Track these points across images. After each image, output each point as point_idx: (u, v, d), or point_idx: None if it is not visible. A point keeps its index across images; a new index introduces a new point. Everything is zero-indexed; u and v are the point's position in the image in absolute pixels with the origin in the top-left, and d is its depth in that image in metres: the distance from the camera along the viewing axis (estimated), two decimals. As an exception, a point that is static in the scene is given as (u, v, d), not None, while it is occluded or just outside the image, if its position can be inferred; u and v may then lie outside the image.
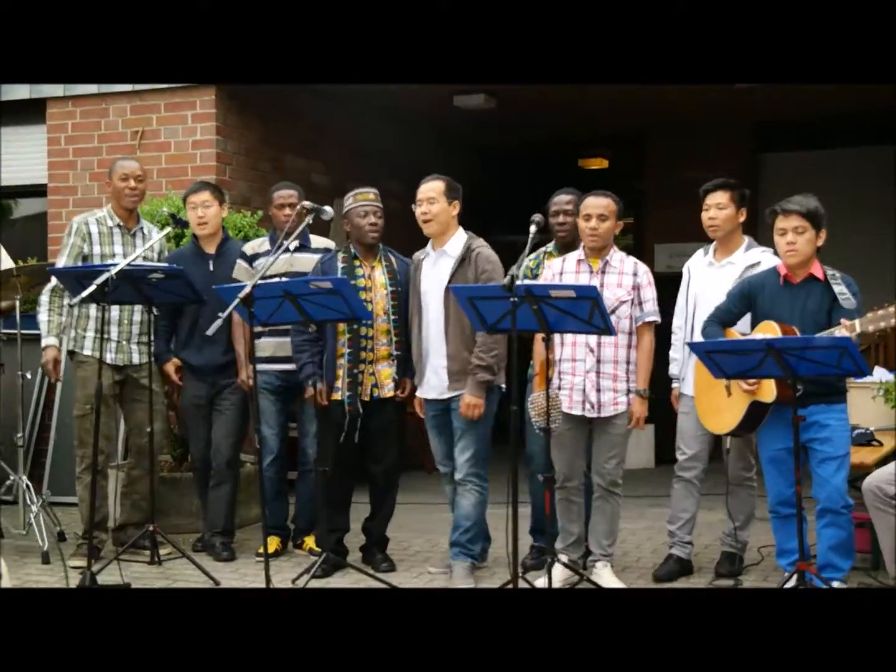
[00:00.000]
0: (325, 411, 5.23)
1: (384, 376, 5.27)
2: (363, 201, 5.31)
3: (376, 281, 5.29)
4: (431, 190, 5.09)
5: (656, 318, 5.00)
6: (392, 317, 5.25)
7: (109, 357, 5.53)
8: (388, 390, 5.27)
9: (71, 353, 5.64)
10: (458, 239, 5.15)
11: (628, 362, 4.95)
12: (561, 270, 5.06)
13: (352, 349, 5.21)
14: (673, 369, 5.25)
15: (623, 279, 4.96)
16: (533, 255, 5.45)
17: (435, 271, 5.13)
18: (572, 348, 4.95)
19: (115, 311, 5.54)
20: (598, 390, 4.93)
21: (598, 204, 4.96)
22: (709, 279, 5.14)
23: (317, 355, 5.26)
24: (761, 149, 9.66)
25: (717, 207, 5.08)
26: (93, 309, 5.46)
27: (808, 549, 4.47)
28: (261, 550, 5.41)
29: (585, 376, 4.93)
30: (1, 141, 7.91)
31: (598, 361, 4.93)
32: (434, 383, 5.13)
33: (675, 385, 5.24)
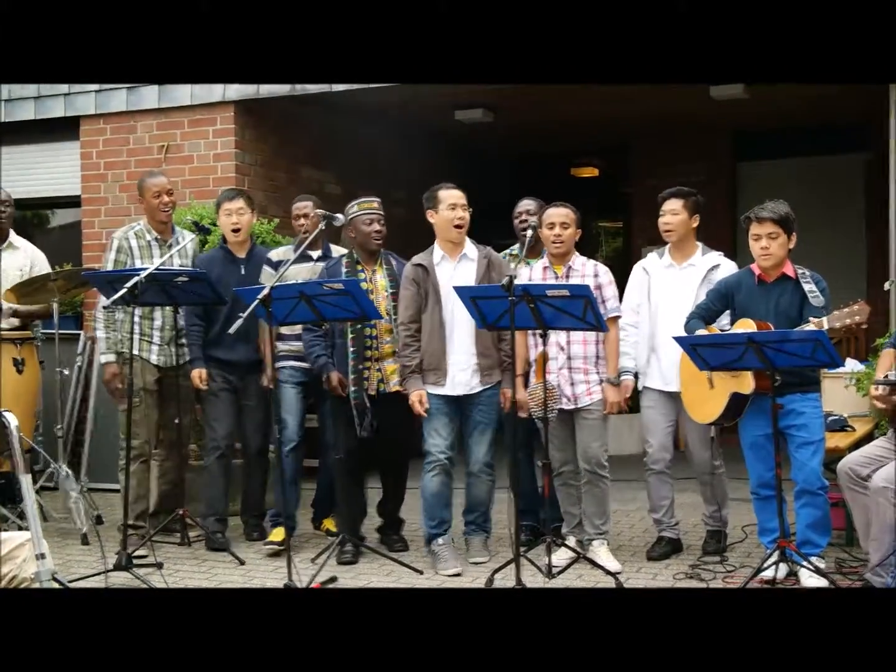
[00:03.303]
0: (339, 404, 5.20)
1: (389, 372, 5.24)
2: (367, 209, 5.28)
3: (378, 284, 5.27)
4: (462, 198, 5.06)
5: (619, 312, 5.02)
6: (393, 316, 5.22)
7: (153, 358, 5.55)
8: (393, 385, 5.24)
9: (117, 354, 5.59)
10: (471, 244, 5.15)
11: (597, 356, 4.97)
12: (529, 278, 5.04)
13: (356, 347, 5.18)
14: (624, 362, 5.11)
15: (585, 281, 4.92)
16: (505, 253, 5.51)
17: (457, 275, 5.03)
18: (546, 348, 4.93)
19: (157, 318, 5.55)
20: (572, 384, 4.94)
21: (559, 213, 4.97)
22: (671, 280, 5.13)
23: (327, 349, 5.25)
24: (739, 157, 9.64)
25: (672, 213, 5.10)
26: (136, 313, 5.43)
27: (787, 528, 4.49)
28: (272, 538, 5.42)
29: (559, 373, 4.94)
30: (39, 156, 7.96)
31: (569, 358, 4.95)
32: (462, 379, 5.04)
33: (625, 378, 5.11)
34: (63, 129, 7.79)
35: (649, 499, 5.25)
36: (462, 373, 5.06)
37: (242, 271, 5.60)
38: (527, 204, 5.49)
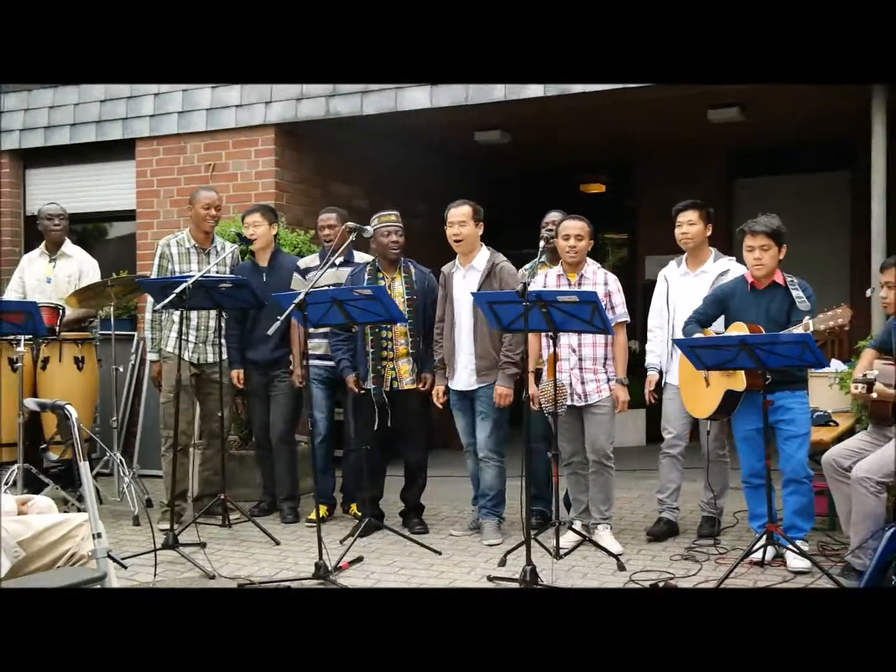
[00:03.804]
0: (360, 399, 5.28)
1: (403, 371, 5.29)
2: (386, 223, 5.32)
3: (395, 290, 5.30)
4: (462, 214, 5.11)
5: (626, 318, 5.03)
6: (409, 320, 5.26)
7: (187, 355, 5.58)
8: (406, 383, 5.29)
9: (159, 352, 5.65)
10: (483, 255, 5.18)
11: (606, 357, 4.97)
12: (544, 285, 5.04)
13: (374, 349, 5.24)
14: (650, 359, 5.23)
15: (596, 288, 4.93)
16: (528, 266, 5.51)
17: (465, 283, 5.16)
18: (558, 350, 4.94)
19: (193, 317, 5.59)
20: (583, 382, 4.95)
21: (574, 226, 4.97)
22: (686, 287, 5.14)
23: (349, 352, 5.33)
24: (734, 174, 9.59)
25: (689, 223, 5.10)
26: (175, 315, 5.49)
27: (775, 514, 4.46)
28: (312, 517, 5.46)
29: (570, 372, 4.94)
30: (96, 175, 8.02)
31: (580, 359, 4.96)
32: (463, 377, 5.18)
33: (650, 373, 5.22)
34: (120, 150, 7.86)
35: (659, 479, 5.24)
36: (463, 370, 5.18)
37: (264, 278, 5.67)
38: (554, 216, 5.44)
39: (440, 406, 5.22)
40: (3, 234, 8.01)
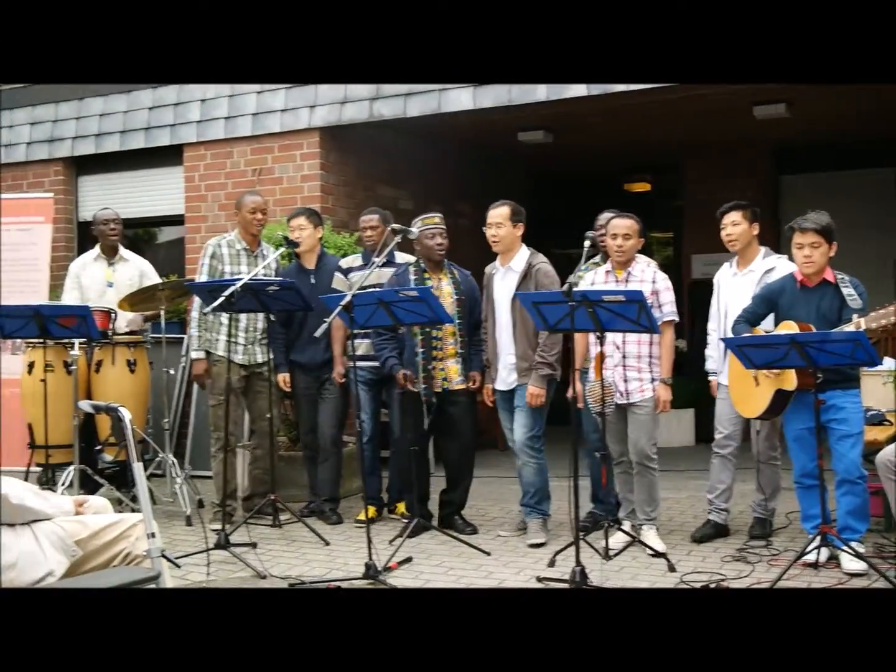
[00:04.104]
0: (407, 399, 5.25)
1: (452, 371, 5.28)
2: (430, 225, 5.32)
3: (444, 290, 5.30)
4: (499, 216, 5.08)
5: (674, 317, 4.97)
6: (457, 321, 5.25)
7: (238, 357, 5.62)
8: (455, 383, 5.29)
9: (207, 354, 5.70)
10: (522, 256, 5.15)
11: (650, 356, 4.92)
12: (592, 282, 5.02)
13: (425, 349, 5.24)
14: (710, 365, 5.19)
15: (643, 286, 4.89)
16: (584, 266, 5.41)
17: (504, 284, 5.14)
18: (604, 349, 4.90)
19: (242, 319, 5.62)
20: (626, 381, 4.91)
21: (622, 224, 4.94)
22: (735, 287, 5.08)
23: (395, 350, 5.31)
24: (779, 171, 9.45)
25: (733, 225, 5.04)
26: (223, 317, 5.53)
27: (829, 514, 4.38)
28: (360, 517, 5.47)
29: (614, 370, 4.91)
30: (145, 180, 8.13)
31: (624, 357, 4.92)
32: (503, 376, 5.18)
33: (711, 378, 5.18)
34: (169, 156, 7.94)
35: (710, 479, 5.17)
36: (504, 371, 5.17)
37: (312, 280, 5.68)
38: (607, 217, 5.37)
39: (490, 404, 5.22)
40: (56, 240, 8.13)
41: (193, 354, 5.71)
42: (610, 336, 4.84)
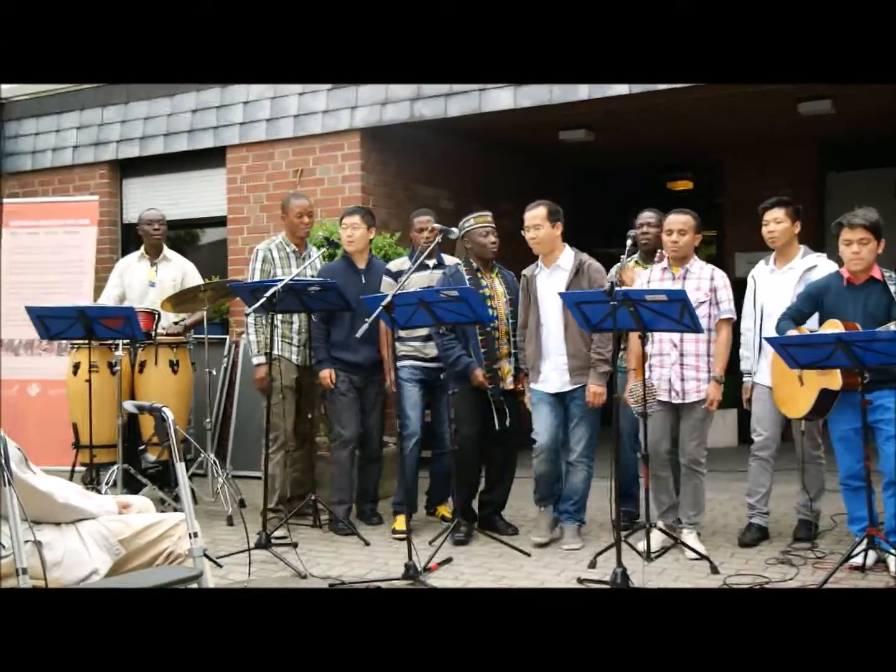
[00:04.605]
0: (470, 400, 5.19)
1: (506, 371, 5.25)
2: (483, 223, 5.29)
3: (497, 290, 5.28)
4: (536, 217, 5.03)
5: (732, 315, 4.90)
6: (510, 321, 5.25)
7: (294, 358, 5.68)
8: (508, 384, 5.26)
9: (267, 354, 5.65)
10: (568, 254, 5.10)
11: (708, 355, 4.86)
12: (648, 279, 4.97)
13: (487, 349, 5.21)
14: (744, 365, 5.13)
15: (701, 283, 4.86)
16: (618, 265, 5.36)
17: (551, 283, 5.06)
18: (659, 345, 4.89)
19: (295, 320, 5.68)
20: (683, 380, 4.84)
21: (678, 220, 4.89)
22: (773, 284, 5.02)
23: (463, 349, 5.24)
24: (824, 168, 9.30)
25: (775, 222, 4.97)
26: (278, 319, 5.54)
27: (876, 517, 4.30)
28: (396, 525, 5.41)
29: (671, 368, 4.84)
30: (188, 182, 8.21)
31: (682, 355, 4.85)
32: (553, 378, 5.07)
33: (746, 380, 5.11)
34: (211, 158, 8.01)
35: (749, 483, 5.11)
36: (554, 372, 5.06)
37: (363, 280, 5.64)
38: (647, 216, 5.36)
39: (528, 405, 5.18)
40: (101, 242, 8.23)
41: (255, 360, 5.69)
42: (667, 334, 4.80)
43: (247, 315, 5.47)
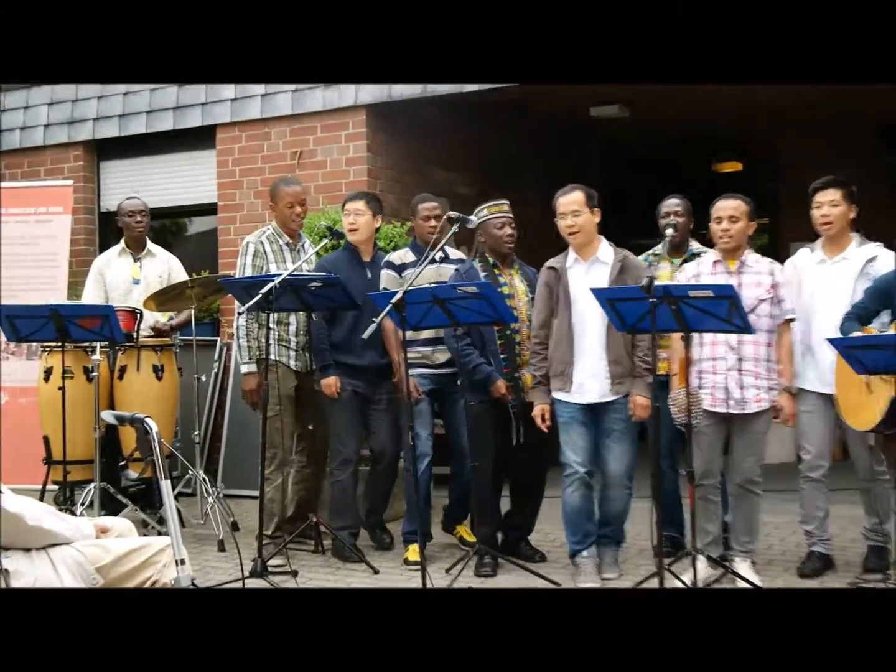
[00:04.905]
0: (487, 412, 5.16)
1: (528, 380, 5.16)
2: (498, 213, 5.25)
3: (517, 288, 5.24)
4: (575, 202, 4.93)
5: (794, 315, 4.84)
6: (532, 323, 5.17)
7: (292, 364, 5.66)
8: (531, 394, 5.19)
9: (258, 361, 5.61)
10: (606, 246, 5.02)
11: (768, 360, 4.79)
12: (697, 272, 4.91)
13: (507, 354, 5.16)
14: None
15: (761, 279, 4.81)
16: (642, 257, 5.34)
17: (589, 279, 4.90)
18: (712, 347, 4.81)
19: (292, 322, 5.64)
20: (742, 387, 4.77)
21: (728, 206, 4.83)
22: (824, 277, 4.95)
23: (481, 356, 5.19)
24: (891, 150, 9.24)
25: (831, 205, 4.92)
26: (273, 323, 5.52)
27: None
28: (409, 556, 5.38)
29: (727, 374, 4.77)
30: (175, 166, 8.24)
31: (740, 359, 4.77)
32: (591, 387, 4.92)
33: (786, 386, 5.00)
34: (200, 138, 8.03)
35: (802, 509, 5.06)
36: (592, 380, 4.92)
37: (368, 275, 5.62)
38: (673, 204, 5.33)
39: (545, 430, 4.98)
40: (76, 232, 8.25)
41: (244, 368, 5.66)
42: (722, 336, 4.74)
43: (240, 314, 5.47)
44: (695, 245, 5.37)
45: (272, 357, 5.53)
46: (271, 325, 5.50)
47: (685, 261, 5.23)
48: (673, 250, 5.27)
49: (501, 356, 5.16)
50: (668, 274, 5.24)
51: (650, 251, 5.44)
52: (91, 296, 6.54)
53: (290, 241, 5.75)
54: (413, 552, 5.34)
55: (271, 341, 5.55)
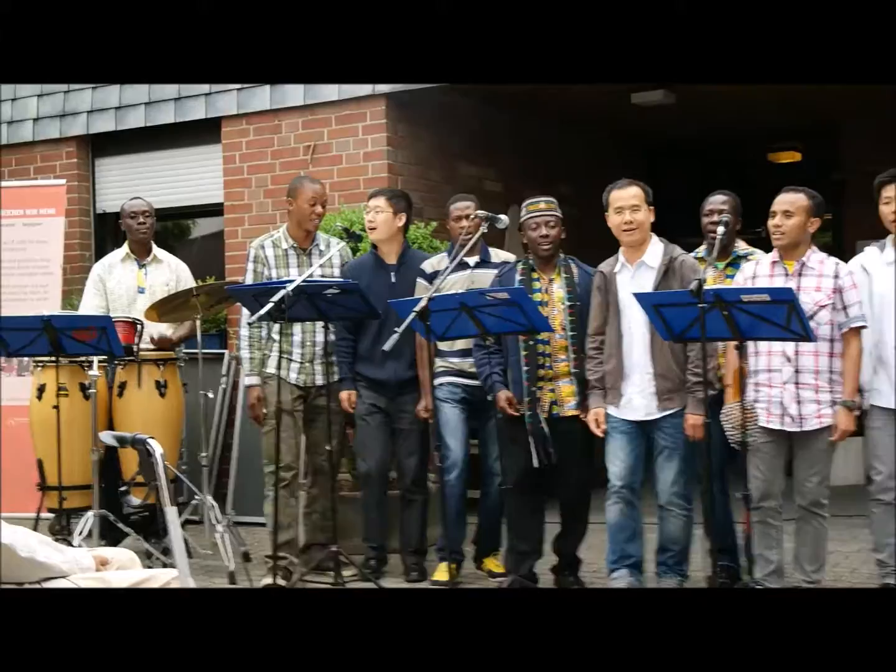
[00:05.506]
0: (510, 427, 5.20)
1: (565, 393, 5.20)
2: (534, 212, 5.28)
3: (554, 295, 5.25)
4: (633, 197, 4.98)
5: (863, 322, 4.80)
6: (570, 332, 5.18)
7: (293, 377, 5.67)
8: (568, 408, 5.21)
9: (258, 374, 5.74)
10: (656, 248, 5.04)
11: (831, 371, 4.77)
12: (754, 274, 4.92)
13: (529, 366, 5.17)
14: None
15: (822, 282, 4.78)
16: (701, 254, 5.34)
17: (634, 284, 4.96)
18: (768, 358, 4.80)
19: (297, 333, 5.68)
20: (799, 402, 4.76)
21: (784, 200, 4.84)
22: (894, 278, 4.91)
23: (498, 366, 5.26)
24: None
25: None
26: (276, 332, 5.59)
27: None
28: (437, 576, 5.46)
29: (783, 388, 4.77)
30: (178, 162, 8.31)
31: (797, 371, 4.76)
32: (638, 403, 4.98)
33: (855, 399, 4.94)
34: (204, 132, 8.08)
35: (873, 536, 5.04)
36: (639, 395, 4.98)
37: (392, 279, 5.66)
38: (718, 201, 5.31)
39: (601, 435, 5.09)
40: (70, 235, 8.31)
41: (247, 381, 5.76)
42: (778, 345, 4.74)
43: (249, 324, 5.51)
44: (742, 246, 5.34)
45: (269, 370, 5.63)
46: (272, 336, 5.57)
47: (730, 264, 5.23)
48: (721, 253, 5.22)
49: (524, 368, 5.18)
50: (711, 280, 5.22)
51: (692, 253, 5.42)
52: (90, 305, 6.56)
53: (297, 245, 5.76)
54: (440, 572, 5.41)
55: (273, 352, 5.62)
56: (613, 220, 5.01)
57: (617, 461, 5.03)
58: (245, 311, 5.64)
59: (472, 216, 5.54)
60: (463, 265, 5.48)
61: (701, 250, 5.40)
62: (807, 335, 4.37)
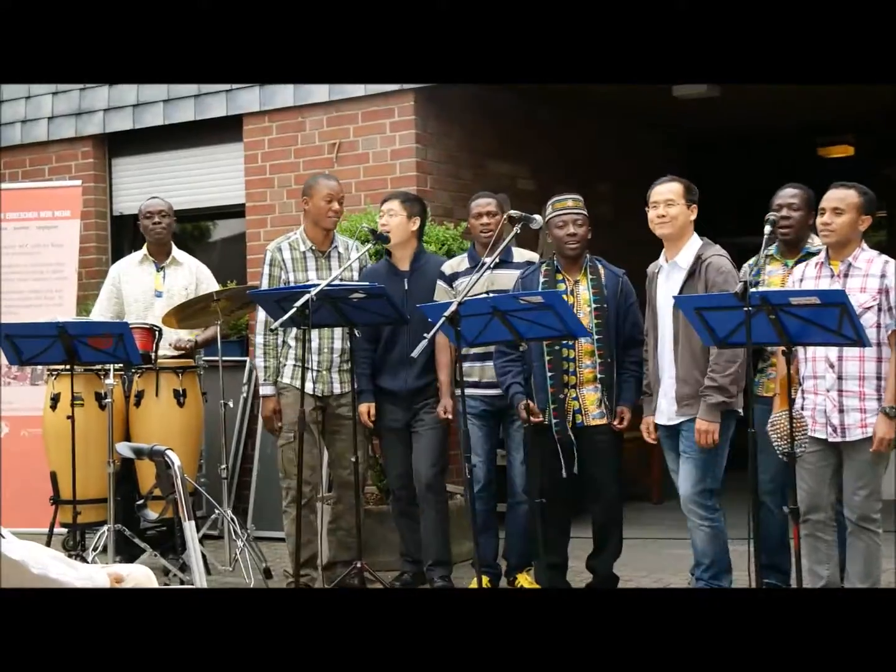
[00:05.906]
0: (534, 438, 5.21)
1: (590, 401, 5.24)
2: (560, 210, 5.30)
3: (580, 297, 5.27)
4: (670, 192, 5.03)
5: None
6: (596, 336, 5.20)
7: (309, 387, 5.68)
8: (593, 417, 5.23)
9: (273, 383, 5.79)
10: (690, 248, 5.07)
11: (878, 378, 4.73)
12: (802, 276, 4.91)
13: (553, 372, 5.20)
14: None
15: (868, 282, 4.75)
16: (752, 261, 5.28)
17: (668, 285, 5.05)
18: (812, 364, 4.79)
19: (314, 339, 5.69)
20: (842, 411, 4.73)
21: (833, 196, 4.81)
22: None
23: (519, 374, 5.28)
24: None
25: None
26: (291, 338, 5.61)
27: None
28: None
29: (826, 395, 4.75)
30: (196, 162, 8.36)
31: (840, 378, 4.74)
32: (663, 407, 5.10)
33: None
34: (224, 129, 8.12)
35: None
36: (664, 400, 5.08)
37: (405, 286, 5.68)
38: (787, 195, 5.24)
39: (652, 441, 5.19)
40: (86, 238, 8.36)
41: (262, 390, 5.80)
42: (822, 350, 4.73)
43: (272, 331, 5.54)
44: (816, 242, 5.24)
45: (285, 380, 5.67)
46: (288, 341, 5.59)
47: (799, 261, 5.17)
48: (787, 250, 5.22)
49: (549, 374, 5.20)
50: (779, 279, 5.19)
51: (763, 252, 5.37)
52: (103, 310, 6.62)
53: (316, 248, 5.79)
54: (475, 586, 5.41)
55: (289, 360, 5.65)
56: (650, 214, 5.08)
57: (674, 472, 5.17)
58: (260, 319, 5.68)
59: (500, 216, 5.56)
60: (481, 265, 5.49)
61: (772, 248, 5.35)
62: (860, 340, 4.33)
